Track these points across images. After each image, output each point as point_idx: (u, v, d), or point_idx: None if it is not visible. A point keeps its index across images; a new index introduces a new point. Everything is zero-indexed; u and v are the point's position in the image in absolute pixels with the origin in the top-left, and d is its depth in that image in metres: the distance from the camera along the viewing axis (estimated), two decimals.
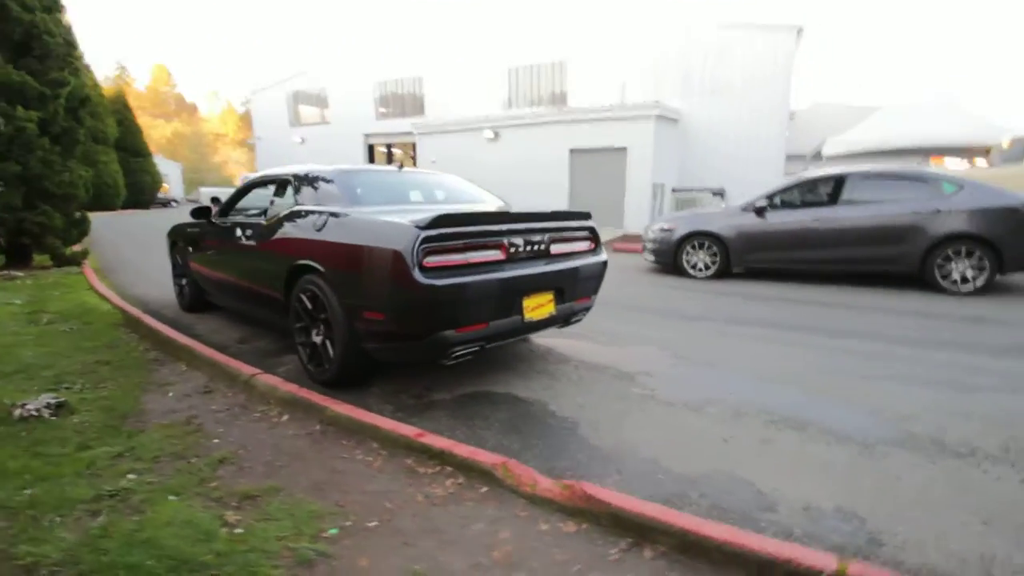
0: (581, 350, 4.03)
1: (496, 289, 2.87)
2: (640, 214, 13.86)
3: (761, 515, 1.98)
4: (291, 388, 2.92)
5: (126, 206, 23.61)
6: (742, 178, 15.82)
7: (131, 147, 24.44)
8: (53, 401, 2.75)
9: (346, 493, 2.03)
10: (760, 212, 6.71)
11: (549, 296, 3.26)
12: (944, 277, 5.83)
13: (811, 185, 6.71)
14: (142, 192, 26.17)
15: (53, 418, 2.68)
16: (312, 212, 3.31)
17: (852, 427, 2.72)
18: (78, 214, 7.50)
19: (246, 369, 3.23)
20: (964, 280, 5.75)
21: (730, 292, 6.27)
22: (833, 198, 6.40)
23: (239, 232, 4.03)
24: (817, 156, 18.49)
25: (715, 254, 6.98)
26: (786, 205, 6.70)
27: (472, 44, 18.89)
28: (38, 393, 3.03)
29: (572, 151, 14.48)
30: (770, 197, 6.74)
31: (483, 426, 2.72)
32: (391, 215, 3.07)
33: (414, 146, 25.76)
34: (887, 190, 6.17)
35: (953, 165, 18.35)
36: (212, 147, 62.11)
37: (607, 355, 3.92)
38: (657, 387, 3.28)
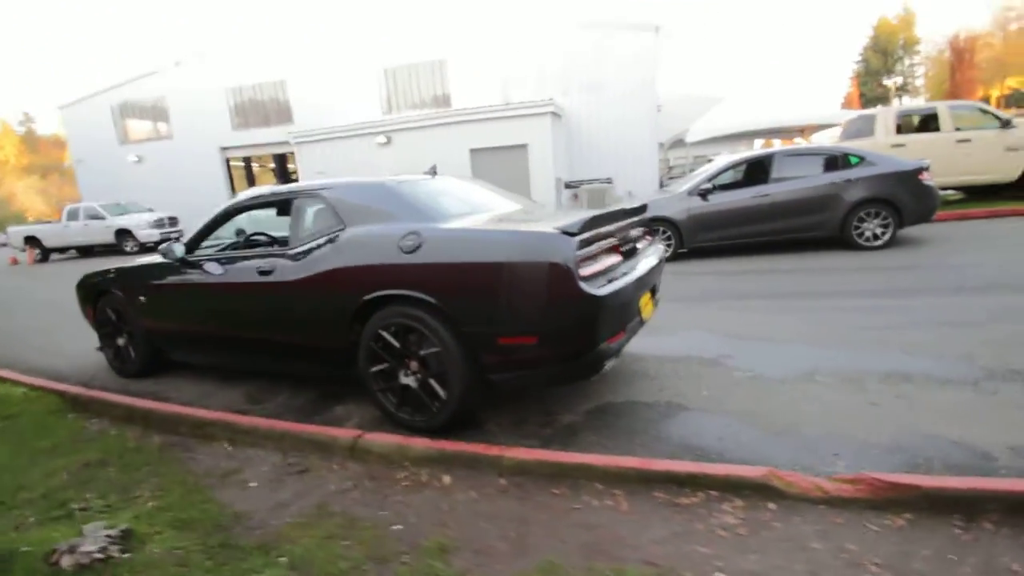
0: (638, 344, 3.97)
1: (632, 292, 2.70)
2: None
3: (989, 464, 2.11)
4: (425, 443, 2.43)
5: None
6: (622, 168, 17.07)
7: None
8: (114, 531, 1.95)
9: (636, 548, 1.73)
10: (704, 195, 7.24)
11: (649, 293, 3.15)
12: (859, 236, 6.84)
13: (744, 166, 7.43)
14: None
15: (126, 555, 1.90)
16: (384, 232, 2.77)
17: (943, 372, 3.03)
18: None
19: (341, 433, 2.61)
20: (875, 237, 6.80)
21: (698, 272, 6.67)
22: (764, 177, 7.14)
23: (244, 270, 3.26)
24: (679, 143, 20.65)
25: (669, 238, 7.39)
26: (725, 187, 7.32)
27: (341, 44, 17.68)
28: (51, 525, 2.15)
29: (472, 151, 14.32)
30: (711, 180, 7.31)
31: (649, 440, 2.53)
32: (505, 224, 2.72)
33: (278, 158, 23.49)
34: (806, 166, 7.06)
35: (774, 144, 21.71)
36: None
37: (669, 345, 3.92)
38: (753, 367, 3.35)
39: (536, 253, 2.37)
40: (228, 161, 20.45)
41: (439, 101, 17.78)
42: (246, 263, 3.27)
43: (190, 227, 16.79)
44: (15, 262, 16.19)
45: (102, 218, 15.73)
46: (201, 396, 3.61)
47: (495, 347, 2.51)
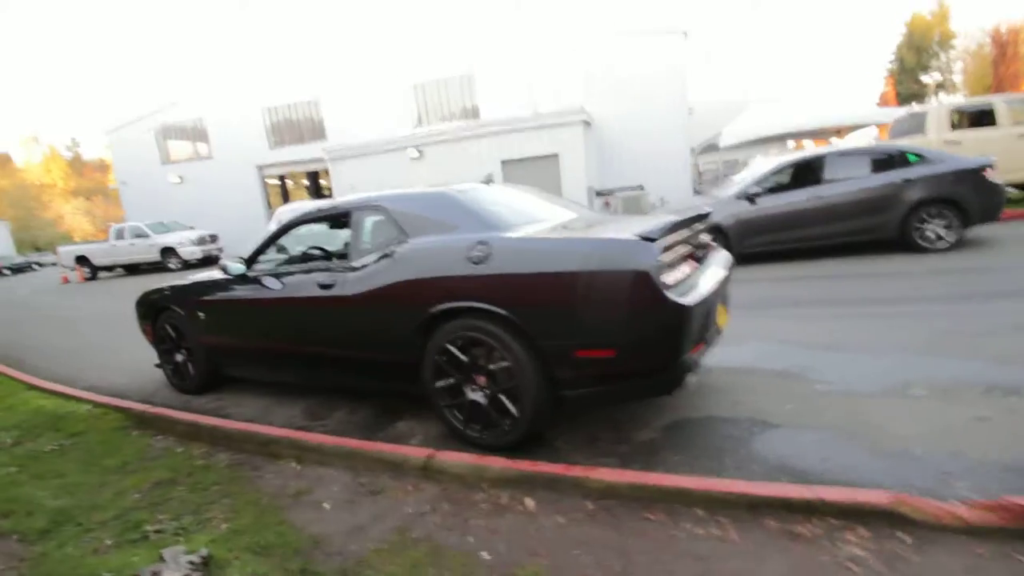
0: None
1: (712, 300, 2.56)
2: None
3: None
4: (502, 462, 2.32)
5: None
6: (652, 174, 16.85)
7: None
8: (195, 557, 1.89)
9: None
10: (752, 199, 7.01)
11: (722, 301, 3.00)
12: (921, 238, 6.50)
13: (794, 168, 7.17)
14: None
15: None
16: (450, 243, 2.70)
17: None
18: None
19: (412, 451, 2.52)
20: (938, 238, 6.46)
21: (750, 278, 6.42)
22: (816, 178, 6.88)
23: (305, 284, 3.23)
24: (711, 148, 20.26)
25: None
26: (774, 190, 7.08)
27: (372, 62, 18.01)
28: (128, 548, 2.11)
29: (504, 162, 14.33)
30: (759, 183, 7.07)
31: (741, 460, 2.35)
32: (574, 232, 2.62)
33: (311, 175, 24.02)
34: (861, 166, 6.78)
35: (809, 146, 21.12)
36: (39, 200, 52.85)
37: (736, 356, 3.72)
38: (836, 379, 3.15)
39: (617, 261, 2.26)
40: (264, 179, 20.99)
41: (468, 114, 17.91)
42: (306, 277, 3.25)
43: (229, 244, 17.22)
44: (66, 281, 16.87)
45: (147, 237, 16.27)
46: (262, 412, 3.59)
47: (571, 361, 2.39)
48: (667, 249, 2.39)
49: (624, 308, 2.23)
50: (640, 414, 2.93)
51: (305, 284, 3.23)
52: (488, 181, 3.57)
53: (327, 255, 4.19)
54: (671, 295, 2.21)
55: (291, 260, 4.10)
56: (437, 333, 2.70)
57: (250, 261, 3.68)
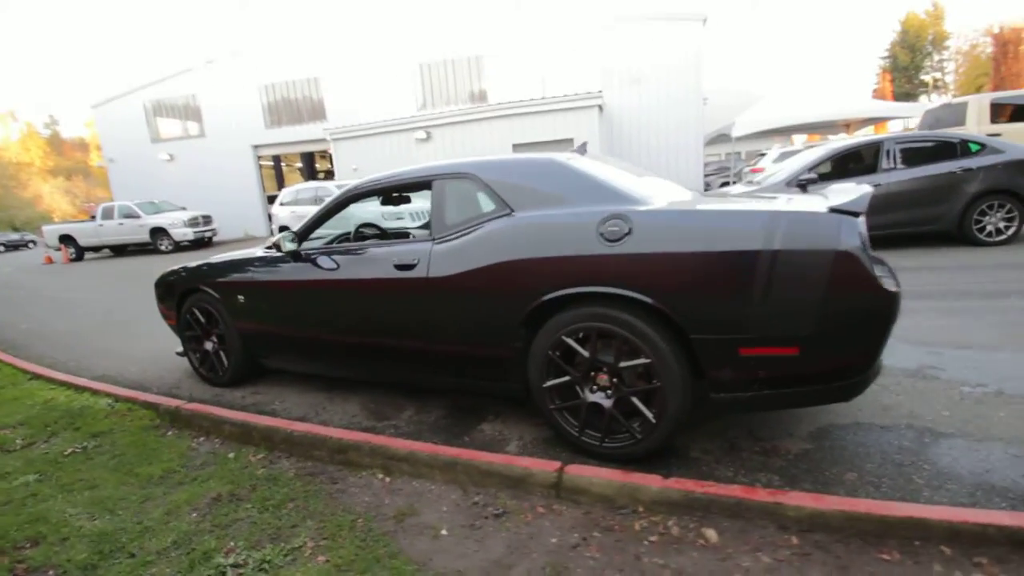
0: None
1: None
2: None
3: None
4: (658, 481, 1.90)
5: None
6: (665, 163, 16.50)
7: None
8: None
9: None
10: (804, 187, 6.62)
11: None
12: (980, 231, 6.21)
13: (847, 155, 6.82)
14: None
15: None
16: (577, 217, 2.25)
17: None
18: None
19: (535, 464, 2.09)
20: (998, 231, 6.17)
21: None
22: (872, 166, 6.54)
23: (376, 264, 2.77)
24: (722, 138, 19.92)
25: None
26: (826, 177, 6.71)
27: (376, 39, 17.27)
28: None
29: (515, 146, 13.81)
30: (810, 170, 6.71)
31: (931, 478, 1.98)
32: (736, 204, 2.19)
33: (306, 156, 23.22)
34: (920, 154, 6.44)
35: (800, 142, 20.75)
36: (16, 179, 50.90)
37: None
38: (978, 381, 2.79)
39: (812, 239, 1.84)
40: (259, 159, 20.18)
41: (476, 98, 17.30)
42: (380, 256, 2.78)
43: (223, 226, 16.45)
44: (50, 261, 16.02)
45: (137, 217, 15.48)
46: (312, 410, 3.12)
47: (734, 359, 1.98)
48: None
49: (821, 297, 1.82)
50: (774, 418, 2.54)
51: (377, 263, 2.76)
52: (583, 150, 3.12)
53: (383, 234, 3.73)
54: (882, 281, 1.81)
55: (343, 238, 3.63)
56: (549, 323, 2.28)
57: (301, 236, 3.20)
